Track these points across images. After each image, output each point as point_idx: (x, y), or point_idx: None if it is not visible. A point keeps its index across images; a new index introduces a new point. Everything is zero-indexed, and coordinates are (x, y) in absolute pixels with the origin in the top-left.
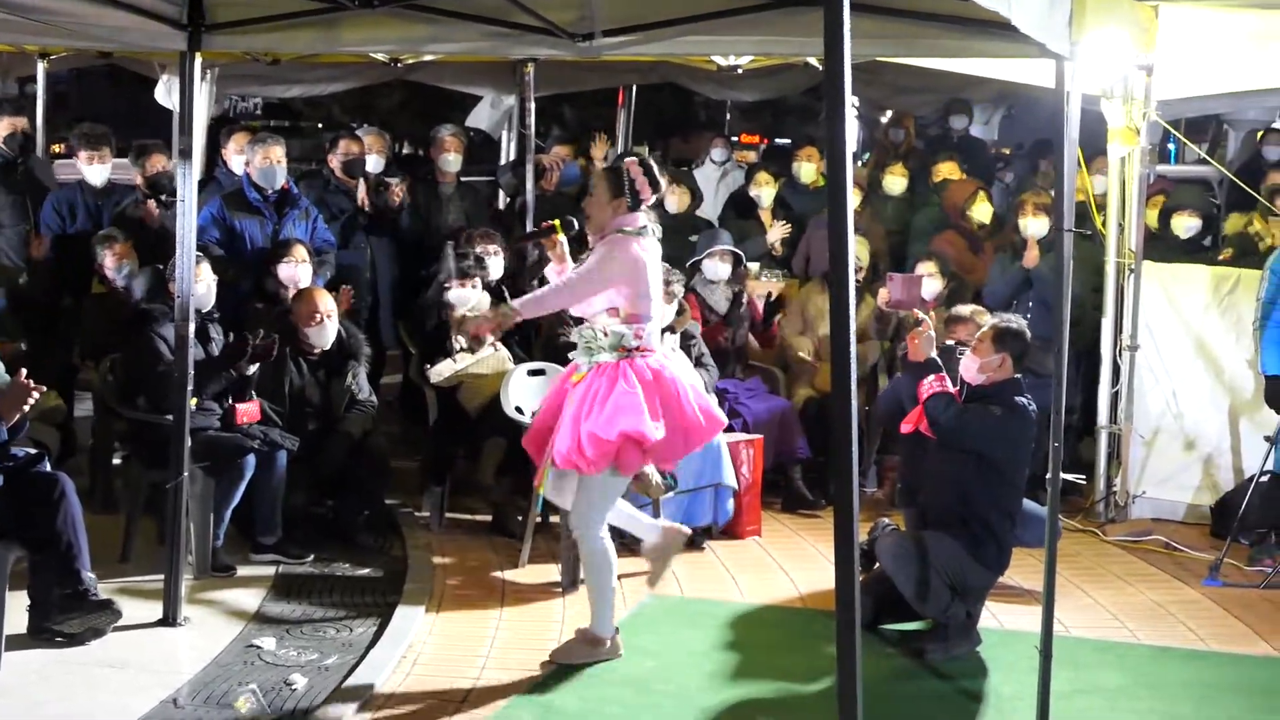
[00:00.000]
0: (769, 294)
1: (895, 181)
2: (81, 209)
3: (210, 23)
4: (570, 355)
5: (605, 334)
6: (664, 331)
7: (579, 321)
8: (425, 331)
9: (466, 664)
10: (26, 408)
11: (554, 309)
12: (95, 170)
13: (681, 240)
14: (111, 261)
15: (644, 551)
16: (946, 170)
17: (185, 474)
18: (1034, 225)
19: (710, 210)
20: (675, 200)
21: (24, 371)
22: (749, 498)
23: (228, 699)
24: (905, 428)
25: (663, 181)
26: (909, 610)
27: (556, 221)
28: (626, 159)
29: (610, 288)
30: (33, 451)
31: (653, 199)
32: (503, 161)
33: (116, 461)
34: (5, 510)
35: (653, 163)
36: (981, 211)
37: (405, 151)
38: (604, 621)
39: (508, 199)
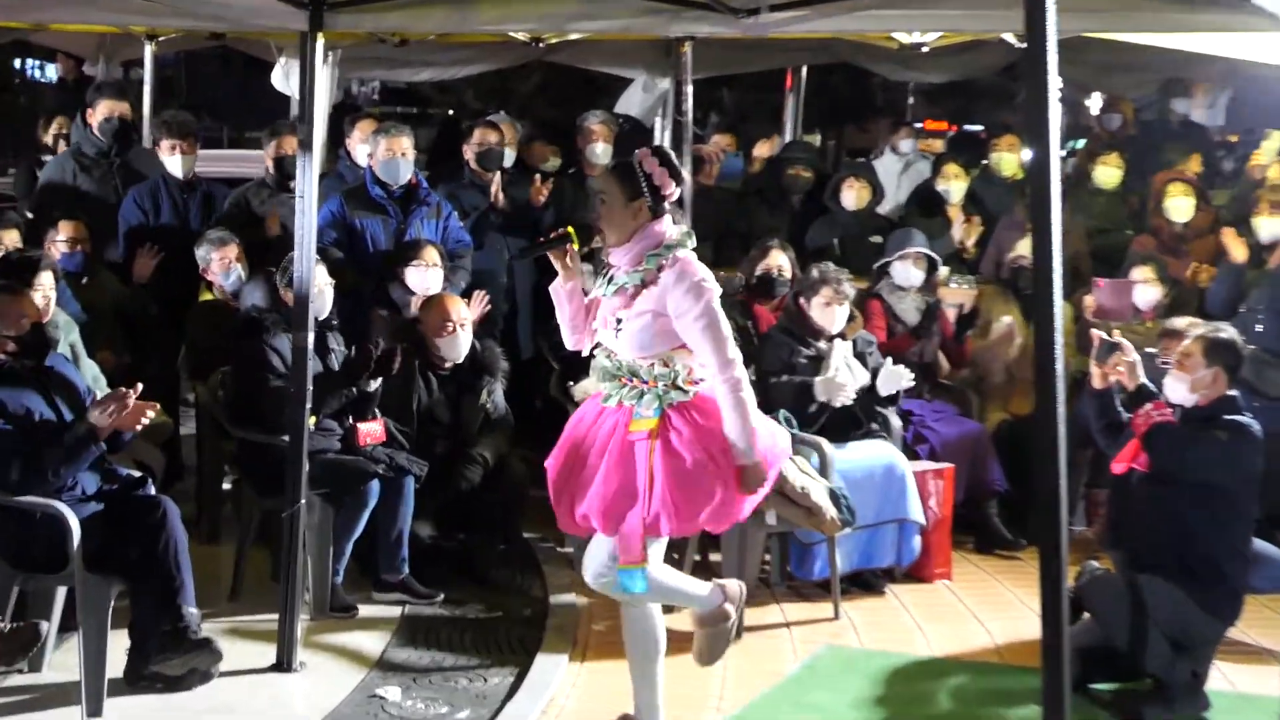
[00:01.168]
0: (960, 305)
1: (1108, 173)
2: (166, 203)
3: (334, 0)
4: (607, 393)
5: (665, 371)
6: (834, 338)
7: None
8: None
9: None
10: (135, 423)
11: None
12: (177, 161)
13: (860, 241)
14: (219, 266)
15: (696, 620)
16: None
17: (302, 501)
18: (1269, 226)
19: (892, 206)
20: (853, 196)
21: (137, 387)
22: (937, 535)
23: None
24: (1117, 467)
25: (685, 172)
26: (1124, 667)
27: (571, 228)
28: (638, 150)
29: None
30: (136, 474)
31: (676, 194)
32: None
33: (226, 487)
34: (106, 539)
35: (670, 151)
36: (1180, 208)
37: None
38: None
39: None
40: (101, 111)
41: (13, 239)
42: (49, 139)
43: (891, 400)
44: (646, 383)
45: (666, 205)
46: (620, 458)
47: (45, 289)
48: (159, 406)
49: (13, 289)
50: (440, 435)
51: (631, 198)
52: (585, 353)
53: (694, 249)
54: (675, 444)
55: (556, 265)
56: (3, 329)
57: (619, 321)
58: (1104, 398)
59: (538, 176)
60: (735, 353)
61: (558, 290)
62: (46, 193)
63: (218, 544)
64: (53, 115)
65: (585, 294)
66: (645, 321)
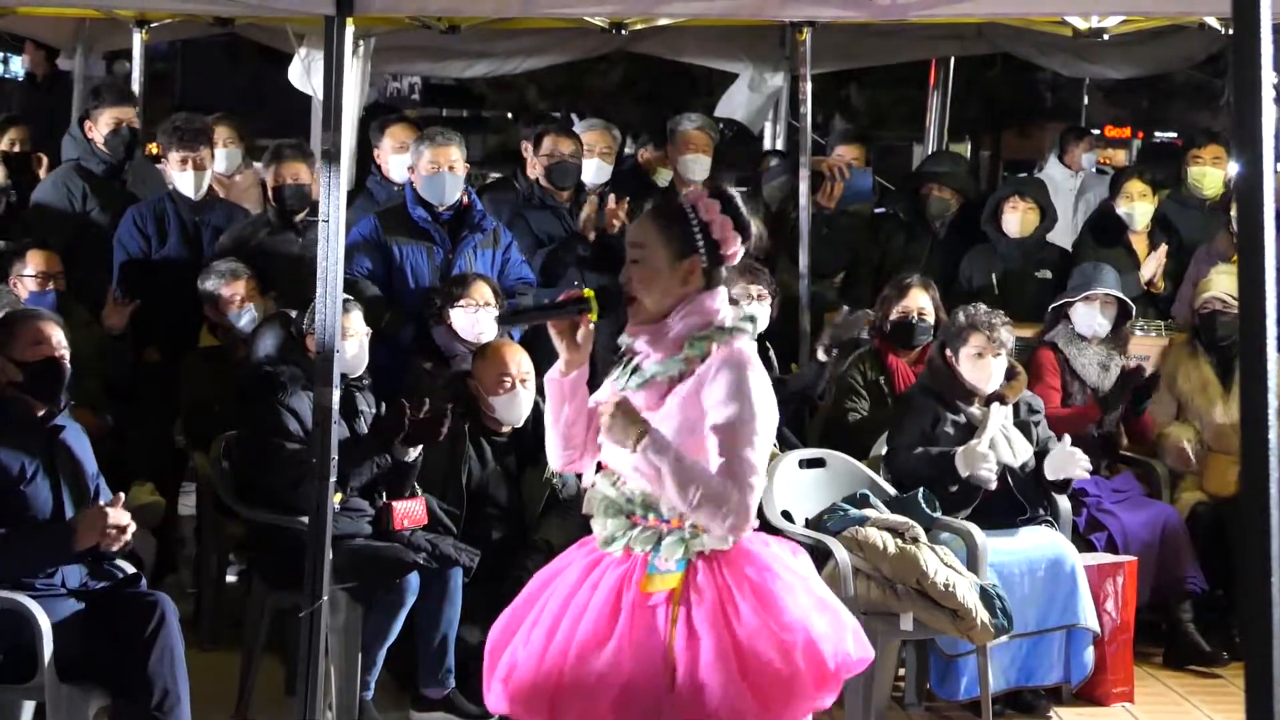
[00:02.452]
0: (1139, 368)
1: None
2: (174, 227)
3: None
4: (607, 530)
5: None
6: (992, 400)
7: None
8: None
9: None
10: (113, 546)
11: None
12: (189, 178)
13: (1024, 277)
14: (228, 305)
15: None
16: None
17: (324, 598)
18: None
19: (1064, 232)
20: (1018, 220)
21: (120, 497)
22: (1116, 646)
23: None
24: None
25: (754, 223)
26: None
27: (590, 292)
28: (687, 190)
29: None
30: (130, 570)
31: (740, 252)
32: (768, 164)
33: (231, 579)
34: (85, 642)
35: (735, 194)
36: None
37: (629, 151)
38: None
39: (772, 217)
40: (107, 121)
41: None
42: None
43: (1061, 486)
44: (668, 522)
45: (724, 270)
46: (634, 632)
47: None
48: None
49: (34, 312)
50: (495, 517)
51: (681, 255)
52: (587, 480)
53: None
54: (712, 612)
55: (559, 344)
56: (12, 354)
57: None
58: None
59: (612, 196)
60: (751, 509)
61: (555, 381)
62: (35, 216)
63: (221, 649)
64: (6, 127)
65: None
66: (673, 429)
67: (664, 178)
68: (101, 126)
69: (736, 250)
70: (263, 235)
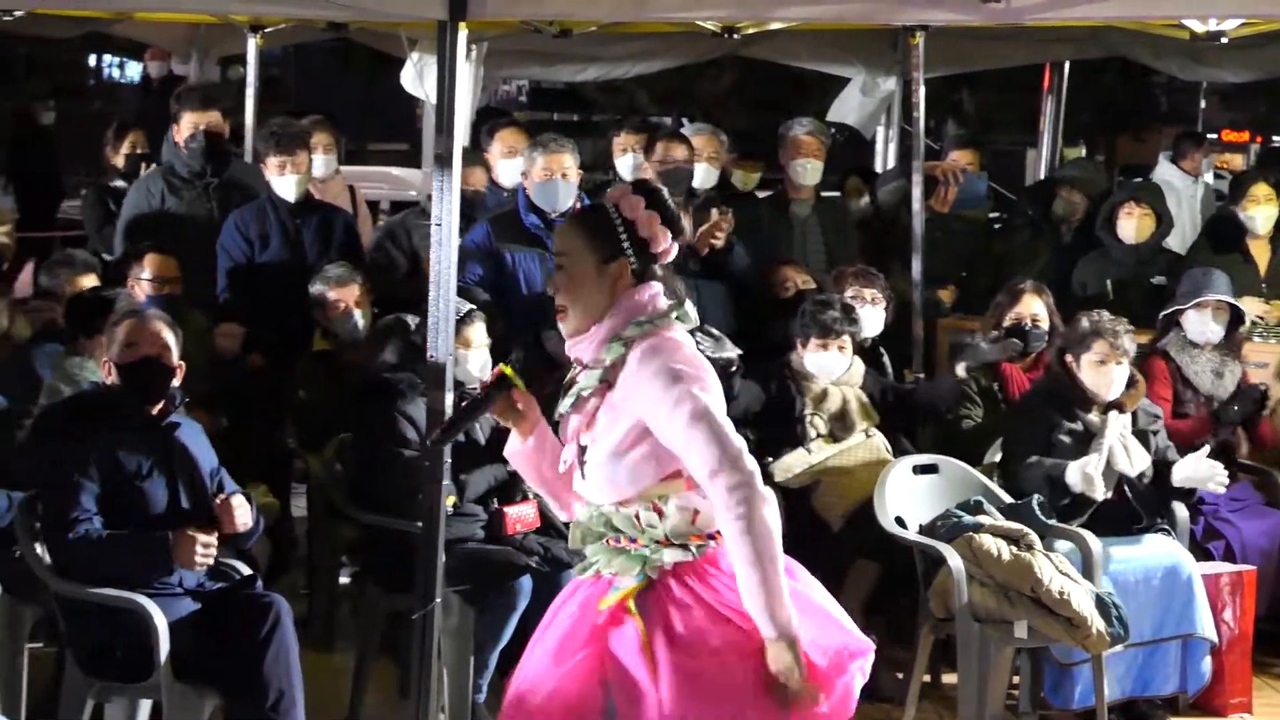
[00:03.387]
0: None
1: None
2: (275, 231)
3: None
4: (588, 557)
5: (655, 518)
6: (1110, 409)
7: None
8: (769, 411)
9: None
10: (200, 566)
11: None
12: (289, 183)
13: (1138, 283)
14: (335, 310)
15: None
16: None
17: (437, 601)
18: None
19: (1180, 237)
20: (1133, 225)
21: (229, 492)
22: (1234, 656)
23: None
24: None
25: (685, 219)
26: None
27: (506, 367)
28: (611, 190)
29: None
30: (246, 572)
31: (673, 249)
32: (879, 168)
33: (344, 581)
34: (201, 643)
35: (661, 187)
36: None
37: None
38: None
39: (885, 222)
40: (187, 125)
41: (89, 285)
42: (119, 159)
43: (1185, 494)
44: (634, 540)
45: (659, 268)
46: (573, 646)
47: None
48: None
49: (135, 312)
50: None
51: (608, 258)
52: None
53: (692, 327)
54: (677, 629)
55: (502, 419)
56: (112, 356)
57: (583, 450)
58: None
59: (715, 210)
60: (742, 455)
61: (520, 454)
62: (134, 224)
63: (333, 651)
64: (125, 130)
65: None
66: (614, 441)
67: (750, 182)
68: (183, 131)
69: (668, 247)
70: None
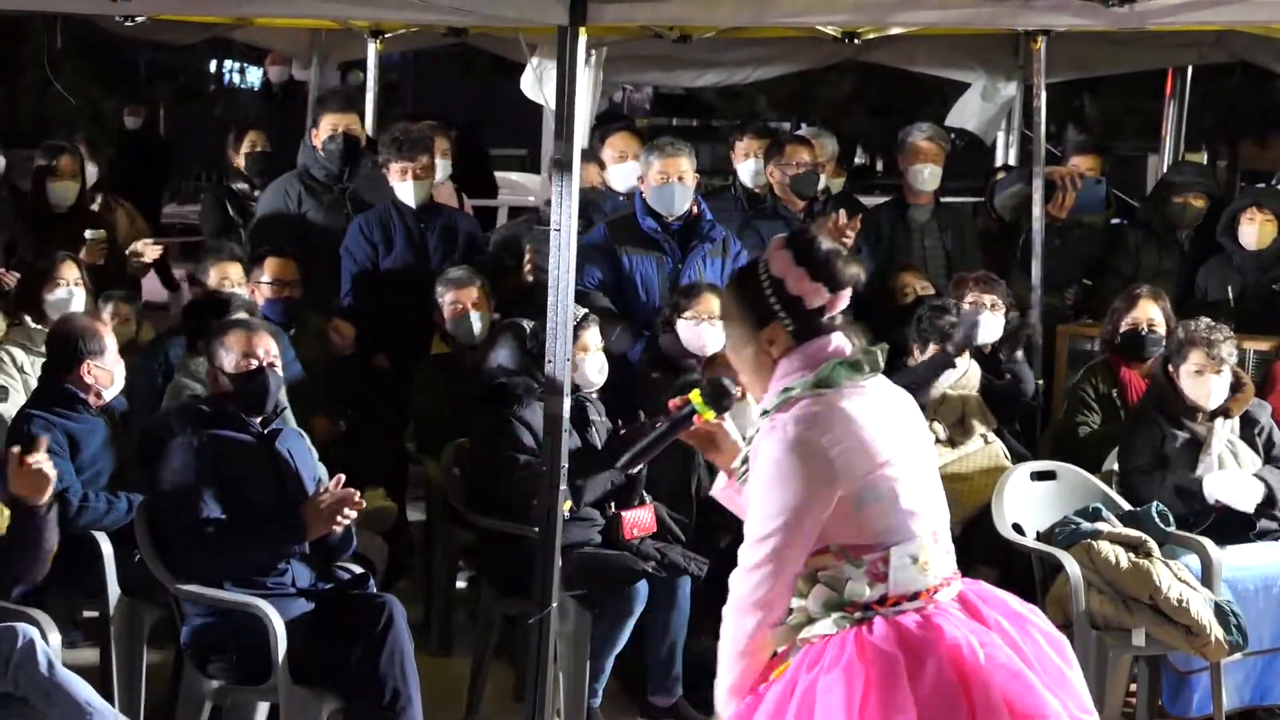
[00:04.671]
0: None
1: None
2: (399, 235)
3: None
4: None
5: (827, 583)
6: (1216, 415)
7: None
8: None
9: None
10: (337, 528)
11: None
12: (409, 188)
13: (1264, 287)
14: (450, 311)
15: None
16: None
17: (554, 605)
18: None
19: None
20: (1255, 231)
21: (339, 478)
22: None
23: None
24: None
25: (853, 268)
26: None
27: (697, 394)
28: (770, 247)
29: (819, 518)
30: (357, 571)
31: (841, 304)
32: (999, 174)
33: (461, 585)
34: (318, 645)
35: (820, 240)
36: None
37: (858, 161)
38: None
39: (1005, 226)
40: (326, 127)
41: (236, 275)
42: (240, 160)
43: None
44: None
45: (829, 320)
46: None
47: None
48: (363, 505)
49: (244, 322)
50: (724, 526)
51: (758, 323)
52: None
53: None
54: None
55: (705, 455)
56: (223, 365)
57: None
58: None
59: (842, 212)
60: (777, 535)
61: (725, 492)
62: (263, 223)
63: (450, 655)
64: (246, 130)
65: None
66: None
67: (835, 188)
68: (322, 132)
69: (824, 300)
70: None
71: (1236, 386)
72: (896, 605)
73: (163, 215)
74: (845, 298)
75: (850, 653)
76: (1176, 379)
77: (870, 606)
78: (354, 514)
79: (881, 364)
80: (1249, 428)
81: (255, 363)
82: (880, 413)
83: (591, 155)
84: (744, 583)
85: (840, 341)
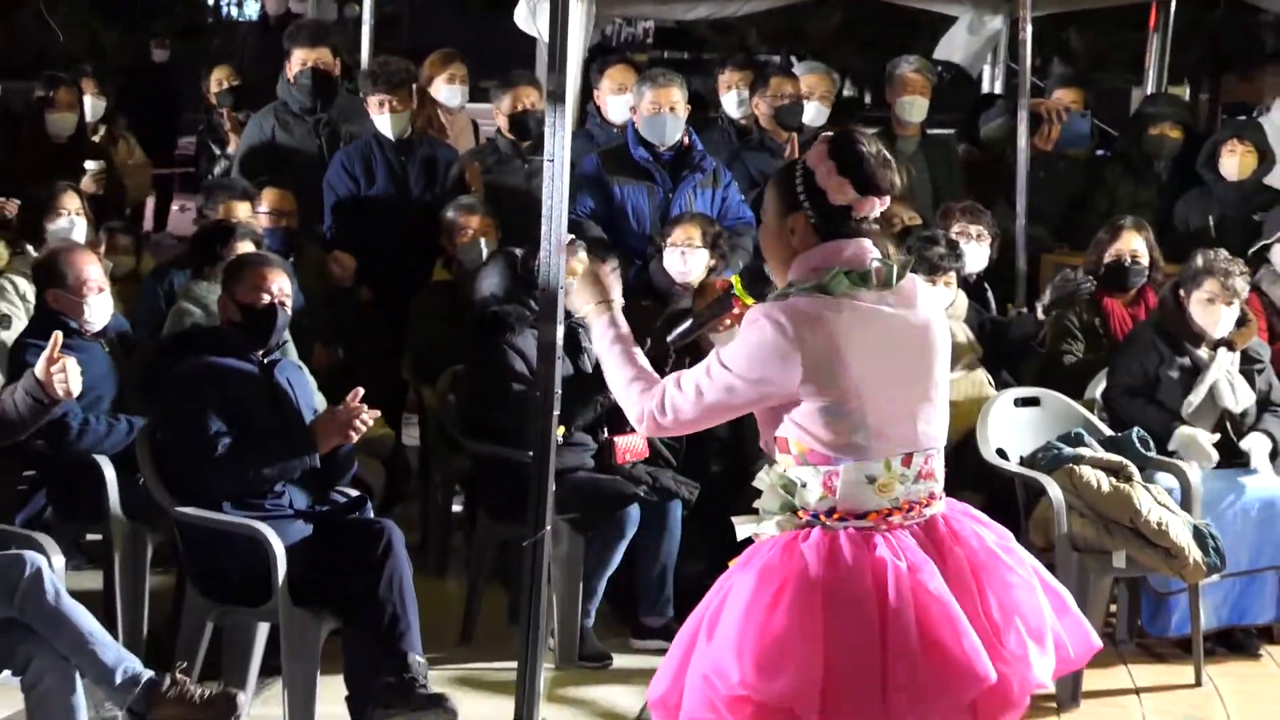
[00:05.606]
0: None
1: None
2: (380, 168)
3: None
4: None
5: (782, 485)
6: (1219, 346)
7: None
8: None
9: None
10: (352, 437)
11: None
12: (387, 120)
13: (1241, 219)
14: (461, 236)
15: None
16: None
17: (547, 529)
18: None
19: None
20: (1235, 163)
21: (359, 392)
22: None
23: None
24: None
25: (889, 174)
26: None
27: (736, 279)
28: (815, 144)
29: (758, 394)
30: (353, 494)
31: (871, 208)
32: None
33: (456, 509)
34: (316, 567)
35: (864, 142)
36: None
37: (847, 93)
38: None
39: (990, 157)
40: (296, 62)
41: (244, 213)
42: (211, 97)
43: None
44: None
45: (861, 225)
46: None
47: None
48: (379, 414)
49: (262, 257)
50: (715, 452)
51: (786, 210)
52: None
53: (847, 288)
54: (726, 588)
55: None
56: (235, 294)
57: None
58: None
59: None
60: (675, 408)
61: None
62: (248, 157)
63: (446, 578)
64: (212, 67)
65: None
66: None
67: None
68: (294, 66)
69: (850, 200)
70: (490, 163)
71: (1242, 321)
72: (842, 520)
73: (178, 147)
74: (875, 203)
75: (775, 555)
76: (1187, 304)
77: (817, 515)
78: (366, 425)
79: (895, 280)
80: (1249, 363)
81: (268, 298)
82: (875, 330)
83: (589, 87)
84: (653, 400)
85: (858, 249)
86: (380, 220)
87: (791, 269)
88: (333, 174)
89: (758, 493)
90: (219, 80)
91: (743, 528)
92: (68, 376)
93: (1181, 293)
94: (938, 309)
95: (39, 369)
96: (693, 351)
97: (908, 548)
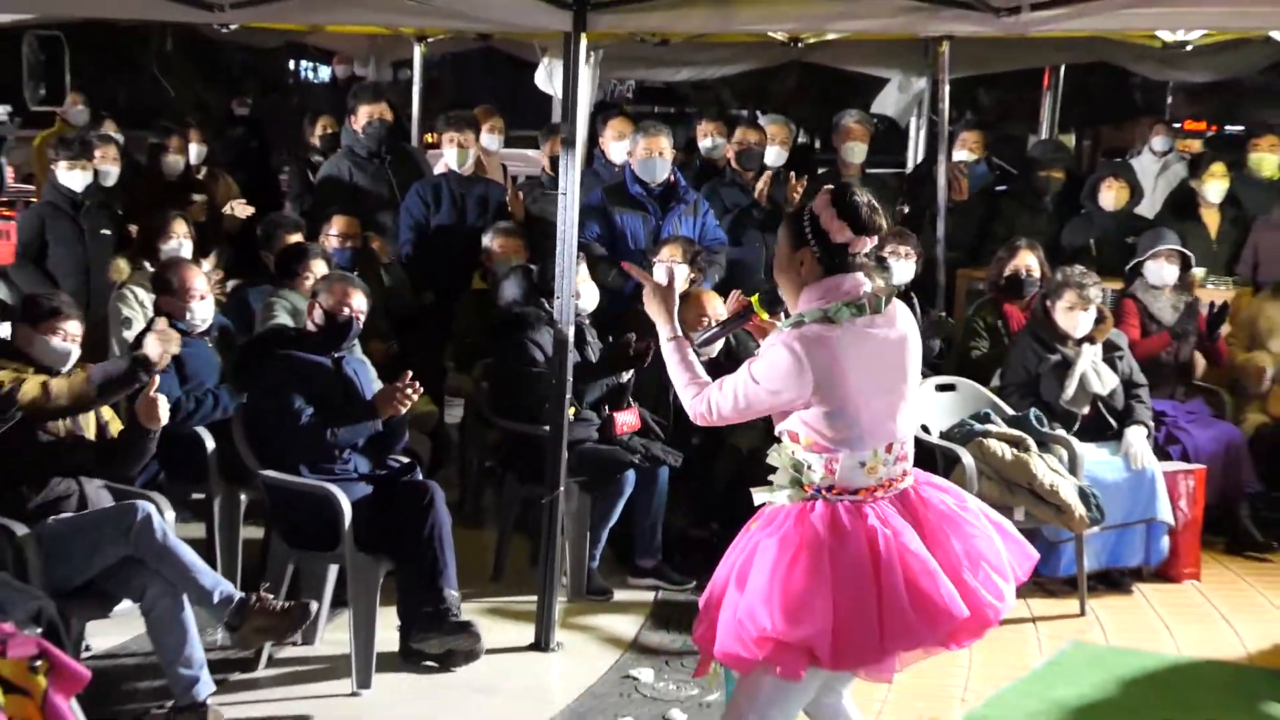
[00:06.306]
0: (1210, 303)
1: None
2: (446, 198)
3: (597, 1)
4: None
5: (792, 465)
6: (1082, 342)
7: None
8: None
9: (860, 709)
10: (400, 409)
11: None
12: (454, 153)
13: (1117, 241)
14: (501, 255)
15: None
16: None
17: (561, 489)
18: None
19: (1149, 207)
20: (1112, 196)
21: (408, 374)
22: (1187, 536)
23: None
24: None
25: (878, 219)
26: None
27: (755, 298)
28: (819, 193)
29: (779, 401)
30: (405, 461)
31: (864, 245)
32: (912, 150)
33: (489, 472)
34: (375, 520)
35: (858, 193)
36: None
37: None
38: None
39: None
40: (362, 115)
41: (298, 239)
42: (315, 139)
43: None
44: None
45: (855, 259)
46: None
47: (316, 276)
48: (423, 392)
49: (348, 277)
50: (696, 427)
51: (795, 246)
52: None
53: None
54: (750, 545)
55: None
56: (323, 303)
57: None
58: None
59: (792, 175)
60: (722, 411)
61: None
62: (324, 189)
63: (480, 528)
64: (319, 115)
65: None
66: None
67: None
68: (360, 118)
69: (848, 239)
70: (536, 194)
71: (1100, 319)
72: (839, 495)
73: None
74: (867, 241)
75: (791, 524)
76: (1053, 312)
77: (820, 490)
78: (413, 399)
79: (883, 307)
80: (1110, 351)
81: (347, 312)
82: (867, 349)
83: (595, 135)
84: (702, 403)
85: (855, 283)
86: (441, 240)
87: (801, 299)
88: (410, 202)
89: (743, 463)
90: (324, 126)
91: (760, 495)
92: (158, 414)
93: (1048, 303)
94: (911, 324)
95: (138, 410)
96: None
97: (891, 516)
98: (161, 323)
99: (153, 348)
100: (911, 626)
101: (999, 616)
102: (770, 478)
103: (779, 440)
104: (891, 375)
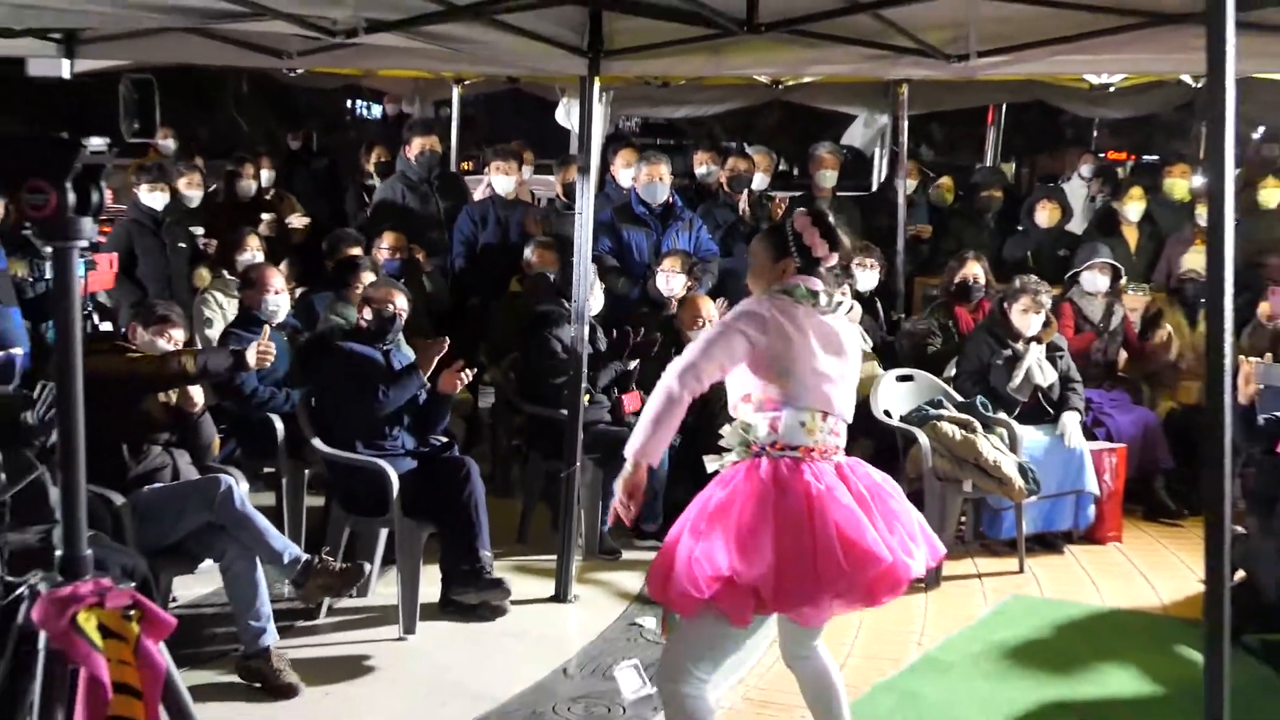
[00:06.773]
0: (1142, 310)
1: (1272, 195)
2: (492, 219)
3: (609, 49)
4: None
5: (741, 428)
6: (1030, 341)
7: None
8: None
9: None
10: (460, 384)
11: (664, 413)
12: (502, 179)
13: (1050, 254)
14: (540, 264)
15: None
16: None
17: (577, 464)
18: None
19: (1077, 224)
20: (1046, 215)
21: (463, 361)
22: (1110, 504)
23: (611, 671)
24: None
25: (848, 241)
26: (1276, 619)
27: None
28: (796, 212)
29: (732, 363)
30: (444, 439)
31: (834, 261)
32: (876, 177)
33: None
34: (419, 490)
35: (829, 213)
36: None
37: (782, 168)
38: None
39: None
40: (416, 146)
41: (357, 251)
42: (370, 166)
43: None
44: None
45: (822, 269)
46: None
47: (365, 284)
48: (470, 372)
49: (390, 281)
50: (692, 409)
51: (777, 257)
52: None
53: (834, 312)
54: (706, 499)
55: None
56: (373, 301)
57: None
58: (1246, 411)
59: (777, 195)
60: (688, 373)
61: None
62: (379, 208)
63: (509, 498)
64: (373, 146)
65: None
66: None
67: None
68: (414, 149)
69: (826, 255)
70: (552, 218)
71: (1046, 323)
72: (781, 450)
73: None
74: (835, 256)
75: (740, 479)
76: (1009, 312)
77: (764, 448)
78: (467, 379)
79: (829, 307)
80: (1052, 351)
81: (391, 309)
82: (818, 330)
83: (602, 163)
84: (668, 375)
85: (813, 284)
86: (488, 254)
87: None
88: (462, 220)
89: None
90: (378, 155)
91: (711, 463)
92: (193, 403)
93: (1005, 304)
94: (855, 333)
95: (250, 351)
96: (675, 336)
97: (825, 473)
98: (265, 335)
99: (253, 355)
100: (842, 569)
101: (910, 574)
102: (720, 444)
103: (733, 419)
104: (836, 360)
